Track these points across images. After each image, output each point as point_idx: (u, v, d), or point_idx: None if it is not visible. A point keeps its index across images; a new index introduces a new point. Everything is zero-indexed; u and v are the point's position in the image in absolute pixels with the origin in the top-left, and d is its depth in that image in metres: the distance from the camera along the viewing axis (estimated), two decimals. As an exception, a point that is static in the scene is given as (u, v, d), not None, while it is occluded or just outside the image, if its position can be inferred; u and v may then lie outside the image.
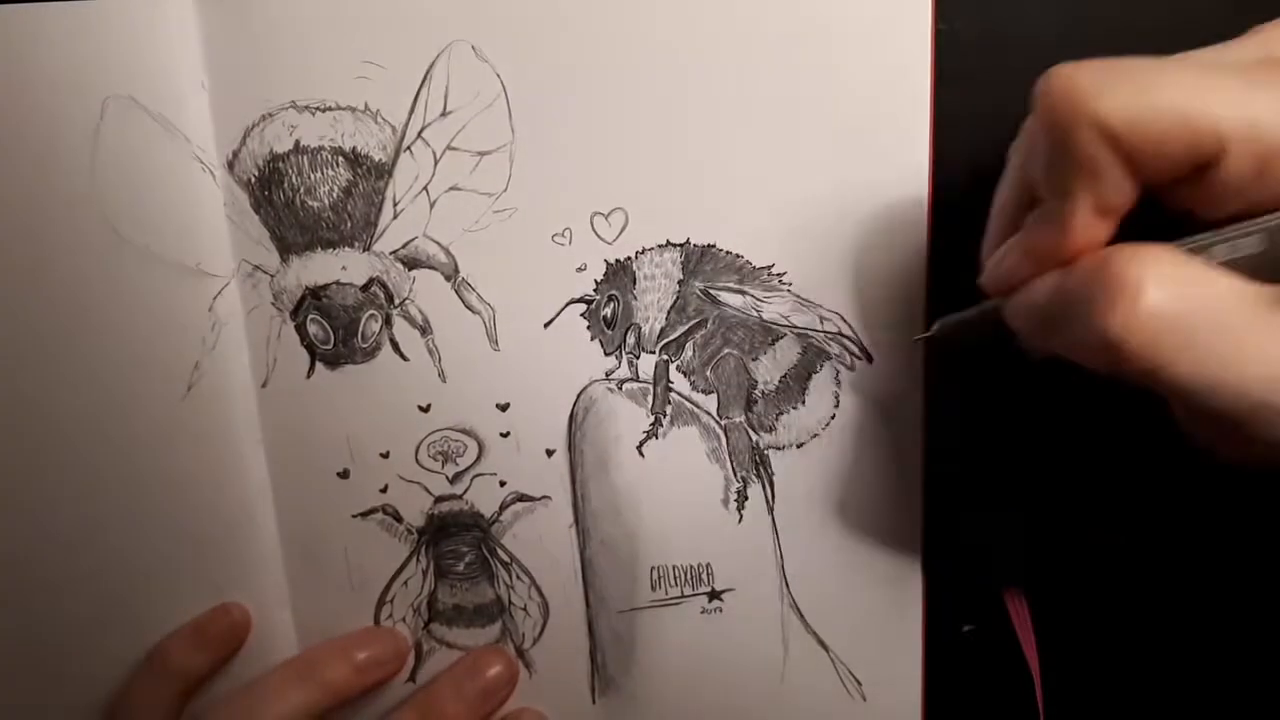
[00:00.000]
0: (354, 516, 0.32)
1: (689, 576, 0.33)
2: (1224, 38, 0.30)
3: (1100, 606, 0.34)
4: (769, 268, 0.30)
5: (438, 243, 0.30)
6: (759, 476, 0.32)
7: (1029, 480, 0.32)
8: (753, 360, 0.31)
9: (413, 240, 0.30)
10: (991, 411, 0.31)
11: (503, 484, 0.32)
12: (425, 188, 0.30)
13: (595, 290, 0.30)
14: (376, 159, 0.29)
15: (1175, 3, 0.29)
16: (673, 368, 0.31)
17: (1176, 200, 0.21)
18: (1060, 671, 0.34)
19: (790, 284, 0.30)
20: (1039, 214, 0.23)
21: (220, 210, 0.30)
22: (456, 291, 0.30)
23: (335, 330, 0.30)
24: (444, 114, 0.29)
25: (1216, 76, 0.20)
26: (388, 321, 0.30)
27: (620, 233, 0.30)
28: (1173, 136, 0.20)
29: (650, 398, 0.31)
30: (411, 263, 0.30)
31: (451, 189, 0.30)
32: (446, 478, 0.32)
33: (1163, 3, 0.29)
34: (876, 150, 0.29)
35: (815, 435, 0.31)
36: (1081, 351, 0.22)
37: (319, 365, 0.31)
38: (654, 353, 0.31)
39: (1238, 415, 0.20)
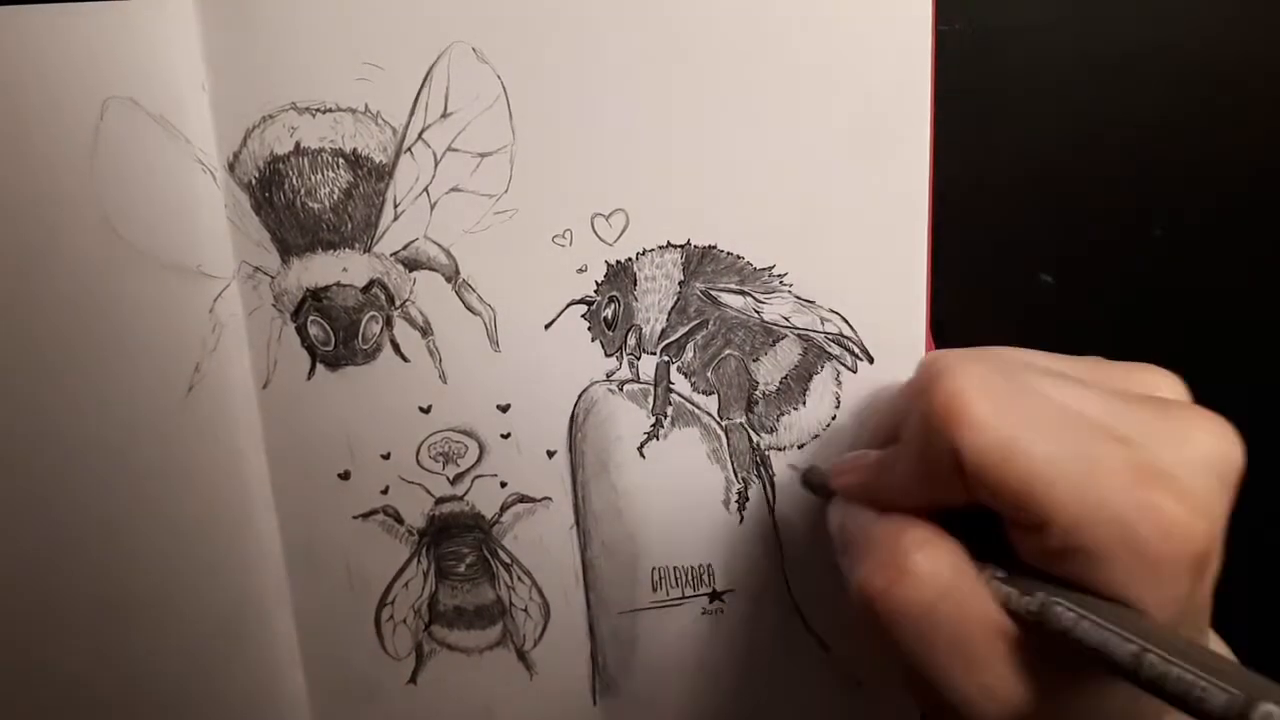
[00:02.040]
0: (355, 518, 0.32)
1: (690, 577, 0.33)
2: (1222, 38, 0.30)
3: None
4: (769, 269, 0.30)
5: (438, 244, 0.30)
6: (760, 477, 0.32)
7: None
8: (753, 361, 0.31)
9: (413, 242, 0.30)
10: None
11: (503, 485, 0.32)
12: (426, 189, 0.30)
13: (596, 291, 0.30)
14: (377, 160, 0.29)
15: (1175, 2, 0.29)
16: (673, 369, 0.31)
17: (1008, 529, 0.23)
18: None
19: (791, 285, 0.30)
20: (889, 455, 0.25)
21: (221, 212, 0.30)
22: (457, 293, 0.30)
23: (336, 332, 0.30)
24: (444, 115, 0.29)
25: (1075, 468, 0.21)
26: (388, 323, 0.30)
27: (621, 234, 0.30)
28: (1006, 501, 0.21)
29: (651, 399, 0.31)
30: (412, 264, 0.30)
31: (452, 190, 0.30)
32: (447, 479, 0.32)
33: (1162, 3, 0.29)
34: (876, 150, 0.29)
35: (816, 436, 0.31)
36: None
37: (320, 367, 0.31)
38: (655, 354, 0.31)
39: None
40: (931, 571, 0.22)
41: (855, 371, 0.31)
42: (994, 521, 0.23)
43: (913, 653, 0.22)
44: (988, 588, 0.23)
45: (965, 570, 0.23)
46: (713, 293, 0.31)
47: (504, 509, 0.32)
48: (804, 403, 0.31)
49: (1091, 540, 0.21)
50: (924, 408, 0.22)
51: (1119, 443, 0.21)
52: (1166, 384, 0.24)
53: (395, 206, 0.30)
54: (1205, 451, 0.22)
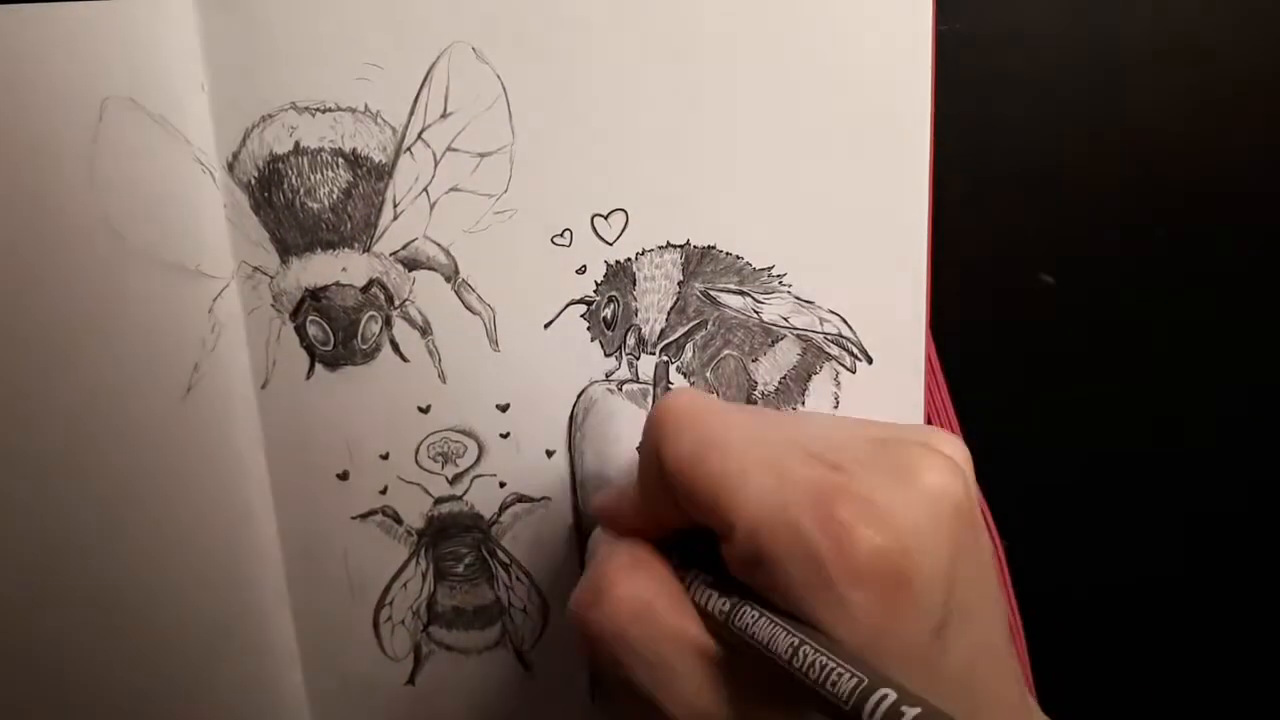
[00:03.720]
0: (353, 518, 0.32)
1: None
2: (1219, 36, 0.30)
3: (1095, 600, 0.34)
4: (769, 269, 0.30)
5: (438, 244, 0.30)
6: (759, 478, 0.32)
7: (1026, 478, 0.32)
8: (752, 361, 0.31)
9: (413, 241, 0.30)
10: (988, 409, 0.31)
11: (503, 485, 0.32)
12: (425, 189, 0.30)
13: (595, 291, 0.30)
14: (377, 160, 0.29)
15: (1175, 2, 0.29)
16: (673, 369, 0.31)
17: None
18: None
19: (790, 285, 0.30)
20: (631, 481, 0.26)
21: (220, 212, 0.30)
22: (457, 292, 0.30)
23: (335, 331, 0.30)
24: (444, 115, 0.29)
25: (763, 476, 0.22)
26: (388, 323, 0.30)
27: (620, 234, 0.30)
28: (699, 504, 0.23)
29: (650, 399, 0.31)
30: (411, 264, 0.30)
31: (452, 190, 0.30)
32: (446, 479, 0.32)
33: (1163, 3, 0.29)
34: (876, 150, 0.29)
35: (815, 436, 0.31)
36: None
37: (319, 366, 0.31)
38: (654, 354, 0.31)
39: None
40: (628, 595, 0.23)
41: (854, 372, 0.31)
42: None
43: (614, 673, 0.23)
44: (692, 607, 0.24)
45: (668, 593, 0.24)
46: (712, 293, 0.31)
47: (503, 509, 0.32)
48: (803, 403, 0.31)
49: (771, 546, 0.21)
50: (645, 425, 0.24)
51: (824, 466, 0.22)
52: (940, 441, 0.24)
53: (395, 206, 0.30)
54: (924, 486, 0.22)
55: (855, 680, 0.19)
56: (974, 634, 0.23)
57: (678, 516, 0.24)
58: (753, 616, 0.22)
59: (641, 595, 0.24)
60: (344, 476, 0.32)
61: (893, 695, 0.18)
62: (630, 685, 0.23)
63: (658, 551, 0.25)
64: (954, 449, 0.23)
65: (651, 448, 0.24)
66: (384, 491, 0.32)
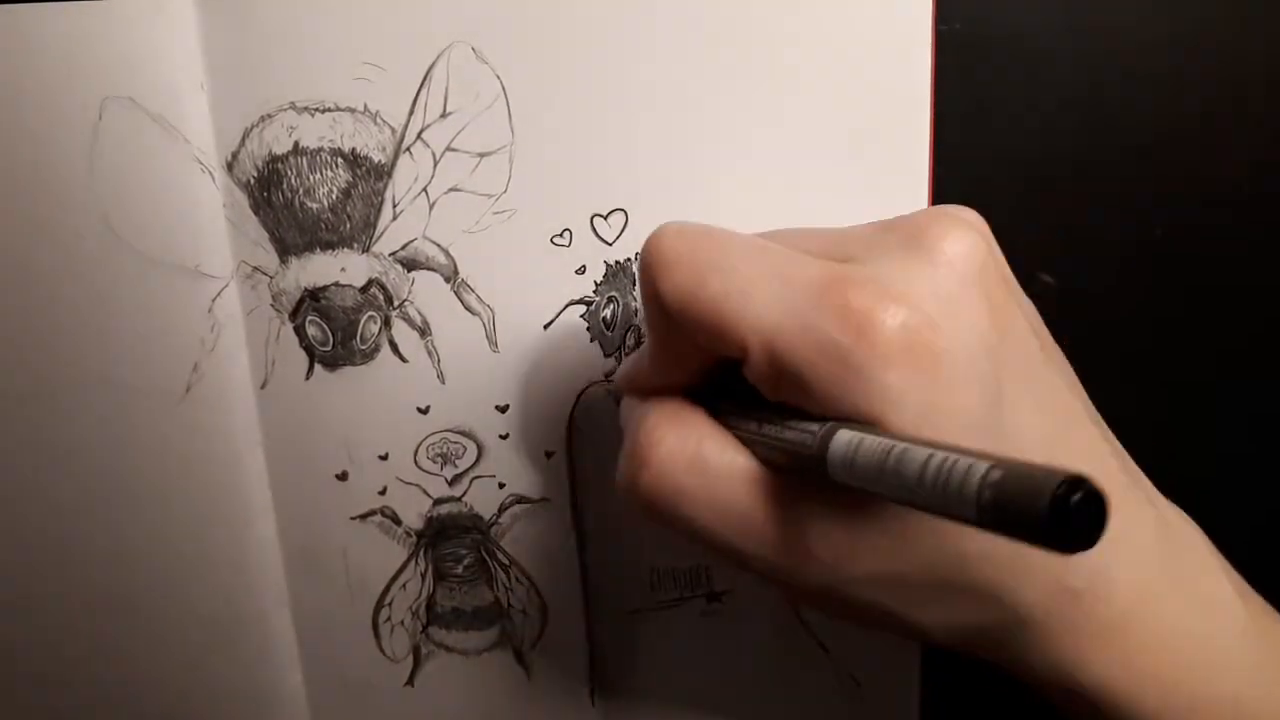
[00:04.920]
0: (352, 519, 0.32)
1: (688, 578, 0.33)
2: (1219, 37, 0.30)
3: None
4: (768, 269, 0.30)
5: (437, 244, 0.30)
6: (759, 478, 0.32)
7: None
8: (752, 362, 0.31)
9: (412, 241, 0.30)
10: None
11: (502, 486, 0.32)
12: (425, 189, 0.30)
13: (595, 292, 0.30)
14: (376, 160, 0.29)
15: (1174, 2, 0.29)
16: (672, 369, 0.31)
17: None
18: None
19: (790, 285, 0.30)
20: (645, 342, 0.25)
21: (219, 212, 0.30)
22: (456, 293, 0.30)
23: (334, 332, 0.30)
24: (444, 115, 0.29)
25: (767, 285, 0.21)
26: (387, 323, 0.30)
27: (620, 234, 0.30)
28: (707, 330, 0.21)
29: (650, 399, 0.31)
30: (411, 264, 0.30)
31: (451, 190, 0.30)
32: (445, 480, 0.32)
33: (1161, 2, 0.29)
34: (877, 151, 0.29)
35: (815, 437, 0.31)
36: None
37: (318, 367, 0.31)
38: (653, 354, 0.31)
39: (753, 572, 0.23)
40: (674, 449, 0.22)
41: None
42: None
43: (683, 530, 0.22)
44: (738, 442, 0.22)
45: (712, 435, 0.23)
46: (712, 293, 0.31)
47: (502, 510, 0.32)
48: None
49: (790, 352, 0.20)
50: (639, 269, 0.23)
51: (831, 262, 0.21)
52: (953, 210, 0.23)
53: (394, 206, 0.30)
54: (942, 254, 0.21)
55: (931, 453, 0.17)
56: (1042, 402, 0.21)
57: (695, 356, 0.23)
58: (804, 426, 0.20)
59: (686, 444, 0.22)
60: (343, 477, 0.32)
61: (984, 465, 0.16)
62: (701, 538, 0.22)
63: (690, 400, 0.24)
64: (969, 215, 0.22)
65: (649, 289, 0.22)
66: (383, 492, 0.32)
